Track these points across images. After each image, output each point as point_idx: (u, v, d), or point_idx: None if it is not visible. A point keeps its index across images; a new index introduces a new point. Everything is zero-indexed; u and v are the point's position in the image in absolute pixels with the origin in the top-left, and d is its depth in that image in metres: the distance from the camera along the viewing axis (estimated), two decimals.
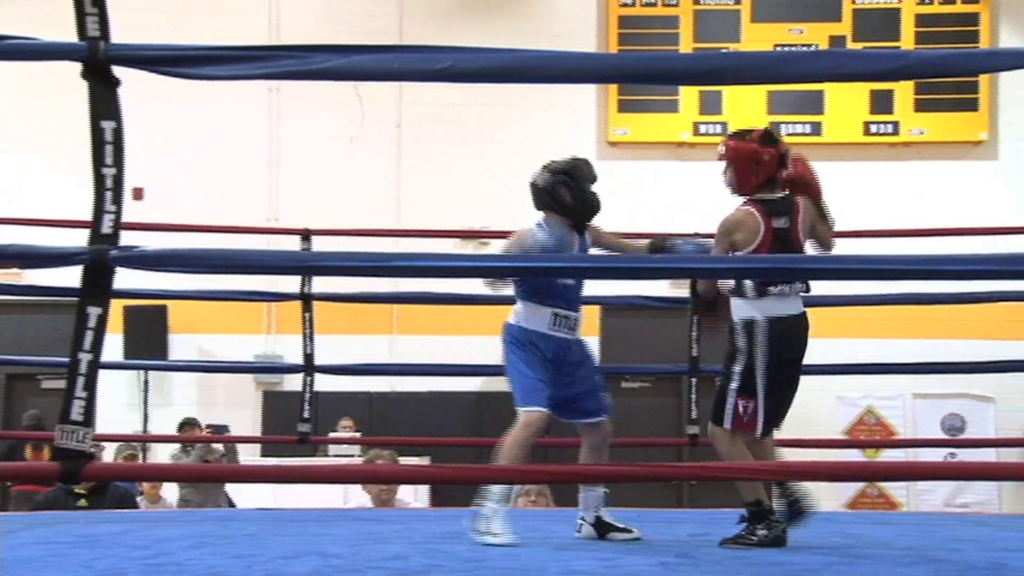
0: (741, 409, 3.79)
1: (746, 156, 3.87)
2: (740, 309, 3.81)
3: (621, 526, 4.07)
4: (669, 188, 10.62)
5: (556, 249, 3.96)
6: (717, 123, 10.91)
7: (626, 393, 10.92)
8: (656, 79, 3.32)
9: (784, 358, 3.78)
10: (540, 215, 4.20)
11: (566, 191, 4.08)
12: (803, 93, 10.77)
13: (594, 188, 4.12)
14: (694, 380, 5.87)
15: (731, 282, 3.84)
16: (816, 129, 10.92)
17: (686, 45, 10.95)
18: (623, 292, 6.14)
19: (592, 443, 4.14)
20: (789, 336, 3.78)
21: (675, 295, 6.62)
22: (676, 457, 8.68)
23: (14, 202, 9.40)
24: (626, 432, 10.35)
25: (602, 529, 4.08)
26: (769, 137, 3.91)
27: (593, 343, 10.17)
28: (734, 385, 3.81)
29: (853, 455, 9.67)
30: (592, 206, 4.09)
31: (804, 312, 3.86)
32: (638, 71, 2.95)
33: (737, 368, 3.80)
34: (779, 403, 3.84)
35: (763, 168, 3.84)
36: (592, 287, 6.02)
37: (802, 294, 3.86)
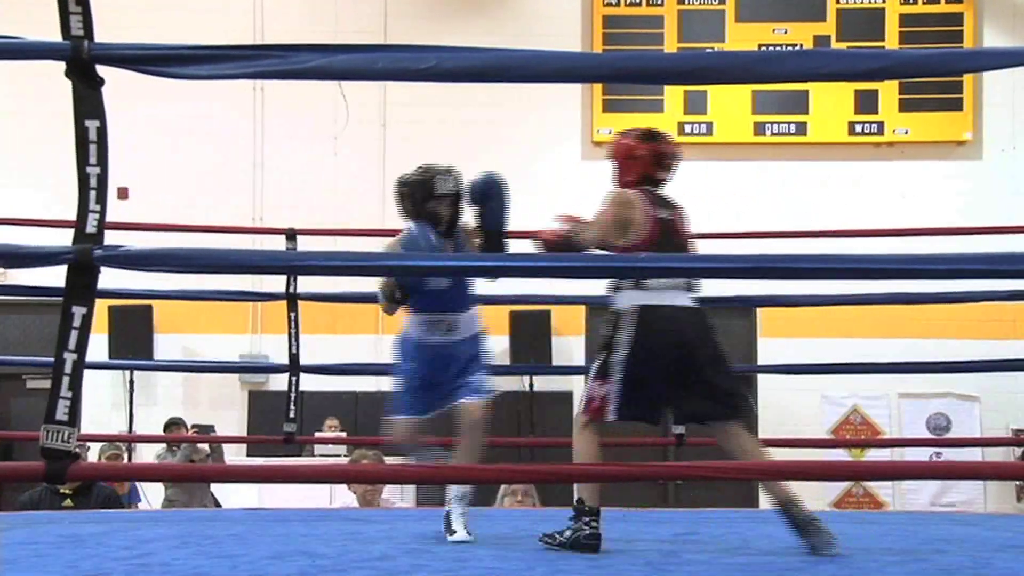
0: (594, 393, 3.75)
1: (622, 151, 3.96)
2: (616, 300, 3.79)
3: (455, 527, 4.00)
4: None
5: (427, 251, 3.96)
6: (702, 123, 10.94)
7: None
8: (641, 79, 3.33)
9: (651, 348, 3.68)
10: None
11: (408, 203, 4.16)
12: (788, 93, 10.79)
13: (440, 197, 4.12)
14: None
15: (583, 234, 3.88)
16: (801, 129, 10.95)
17: (671, 45, 10.96)
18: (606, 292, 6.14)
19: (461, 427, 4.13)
20: (661, 327, 3.69)
21: None
22: (662, 457, 8.70)
23: None
24: (611, 432, 10.40)
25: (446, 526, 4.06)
26: (648, 135, 3.98)
27: (579, 343, 10.38)
28: (592, 371, 3.80)
29: (839, 455, 9.70)
30: (432, 217, 4.09)
31: (692, 307, 3.76)
32: (623, 71, 2.96)
33: (599, 355, 3.79)
34: (646, 394, 3.72)
35: (637, 164, 3.90)
36: (576, 287, 6.05)
37: (695, 292, 3.80)
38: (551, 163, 10.66)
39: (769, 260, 2.78)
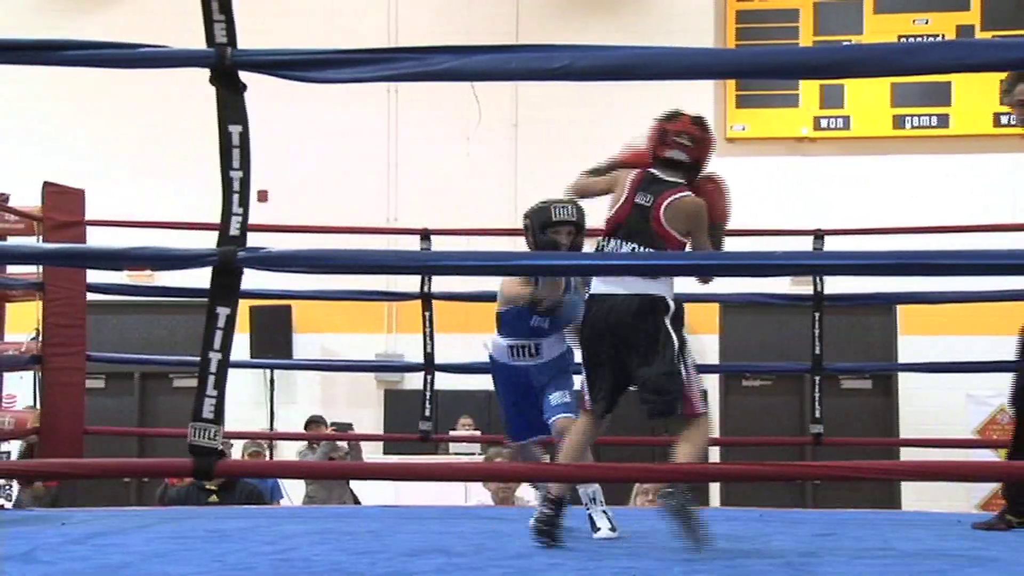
0: (579, 385, 3.88)
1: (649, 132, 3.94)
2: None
3: (599, 523, 4.04)
4: (789, 184, 10.46)
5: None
6: (839, 117, 10.71)
7: (747, 392, 10.80)
8: (776, 73, 3.27)
9: (584, 337, 3.78)
10: None
11: (530, 235, 4.20)
12: (929, 84, 10.49)
13: (557, 225, 4.10)
14: (817, 378, 5.78)
15: None
16: (943, 121, 10.63)
17: (806, 39, 10.76)
18: (743, 289, 6.07)
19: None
20: (592, 316, 3.75)
21: (796, 292, 6.53)
22: (799, 456, 8.55)
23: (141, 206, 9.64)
24: (747, 431, 10.26)
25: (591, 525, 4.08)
26: (667, 115, 3.90)
27: (712, 341, 10.26)
28: None
29: (985, 455, 9.40)
30: (551, 245, 4.09)
31: (627, 294, 3.66)
32: (757, 65, 2.92)
33: None
34: (596, 382, 3.76)
35: (648, 143, 3.89)
36: (711, 285, 5.98)
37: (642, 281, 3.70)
38: None
39: (910, 256, 2.71)
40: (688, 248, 3.74)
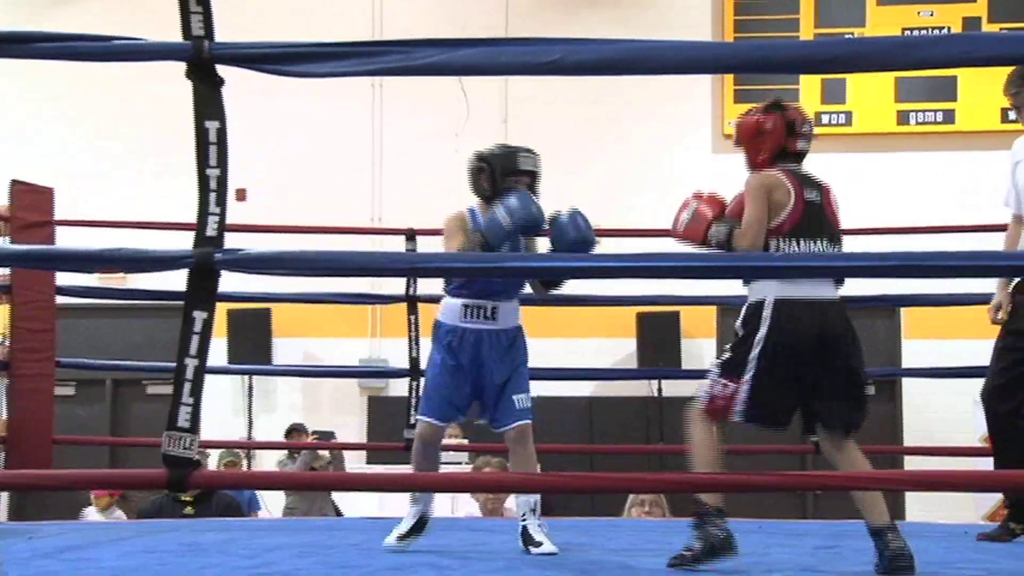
0: (717, 391, 3.58)
1: (749, 130, 3.76)
2: (751, 291, 3.61)
3: (538, 539, 3.96)
4: None
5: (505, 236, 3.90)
6: (840, 112, 10.73)
7: None
8: (775, 68, 3.27)
9: (789, 345, 3.50)
10: (475, 201, 4.17)
11: (485, 179, 4.06)
12: (934, 79, 10.52)
13: (517, 179, 4.02)
14: None
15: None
16: (949, 117, 10.66)
17: (807, 31, 10.78)
18: (732, 292, 6.07)
19: (511, 448, 4.10)
20: (800, 321, 3.51)
21: None
22: (799, 466, 8.57)
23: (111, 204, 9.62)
24: (744, 439, 10.26)
25: (525, 539, 4.00)
26: (773, 106, 3.79)
27: (709, 345, 10.27)
28: (717, 366, 3.64)
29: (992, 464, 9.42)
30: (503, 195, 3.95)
31: (836, 299, 3.58)
32: (757, 59, 2.92)
33: (728, 350, 3.63)
34: (779, 395, 3.55)
35: (769, 139, 3.72)
36: (706, 286, 5.98)
37: (841, 283, 3.62)
38: (680, 157, 10.57)
39: (915, 258, 2.71)
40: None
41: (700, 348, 10.26)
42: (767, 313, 3.53)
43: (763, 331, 3.52)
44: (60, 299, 5.84)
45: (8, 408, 5.55)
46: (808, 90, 10.75)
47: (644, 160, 10.65)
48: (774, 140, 3.72)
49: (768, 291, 3.54)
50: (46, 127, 10.92)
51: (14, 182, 5.66)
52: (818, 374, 3.55)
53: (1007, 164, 4.91)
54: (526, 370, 4.16)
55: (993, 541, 4.43)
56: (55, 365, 5.76)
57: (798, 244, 3.59)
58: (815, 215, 3.64)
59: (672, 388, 10.32)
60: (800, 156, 3.77)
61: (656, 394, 10.31)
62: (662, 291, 5.79)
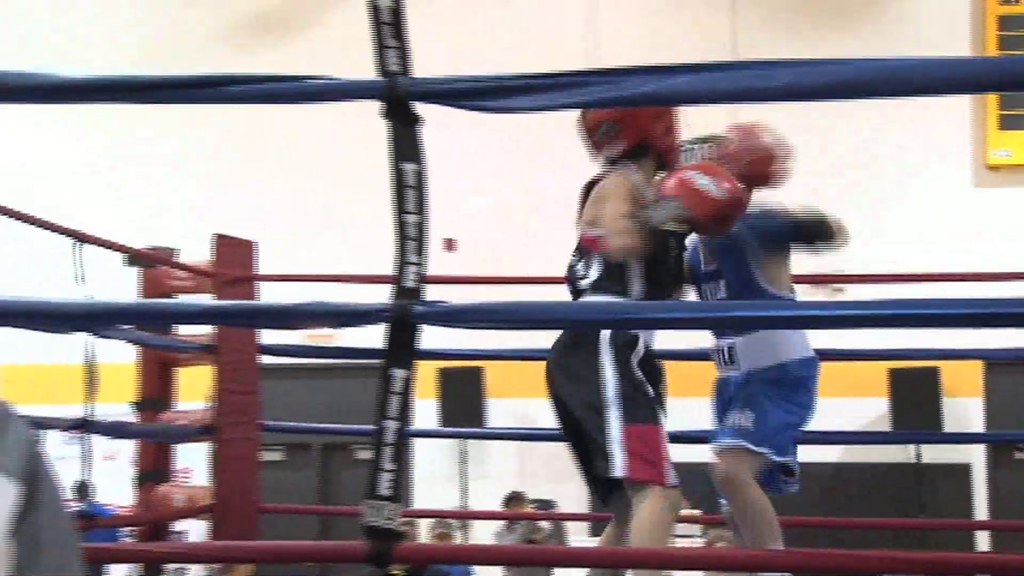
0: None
1: None
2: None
3: None
4: None
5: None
6: None
7: (1020, 466, 10.29)
8: None
9: None
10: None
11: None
12: None
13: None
14: None
15: None
16: None
17: None
18: (1009, 344, 5.78)
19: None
20: None
21: None
22: None
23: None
24: (1020, 512, 9.78)
25: None
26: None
27: (976, 405, 9.84)
28: None
29: None
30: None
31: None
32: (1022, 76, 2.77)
33: None
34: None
35: None
36: (971, 338, 5.71)
37: None
38: (935, 190, 10.20)
39: None
40: None
41: (965, 409, 9.84)
42: None
43: None
44: (266, 359, 5.98)
45: (214, 475, 5.65)
46: None
47: (893, 192, 10.32)
48: None
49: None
50: (244, 178, 11.36)
51: (216, 236, 5.80)
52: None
53: None
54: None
55: None
56: (260, 429, 5.88)
57: None
58: None
59: (933, 453, 9.93)
60: None
61: (915, 460, 9.93)
62: (918, 344, 5.57)
